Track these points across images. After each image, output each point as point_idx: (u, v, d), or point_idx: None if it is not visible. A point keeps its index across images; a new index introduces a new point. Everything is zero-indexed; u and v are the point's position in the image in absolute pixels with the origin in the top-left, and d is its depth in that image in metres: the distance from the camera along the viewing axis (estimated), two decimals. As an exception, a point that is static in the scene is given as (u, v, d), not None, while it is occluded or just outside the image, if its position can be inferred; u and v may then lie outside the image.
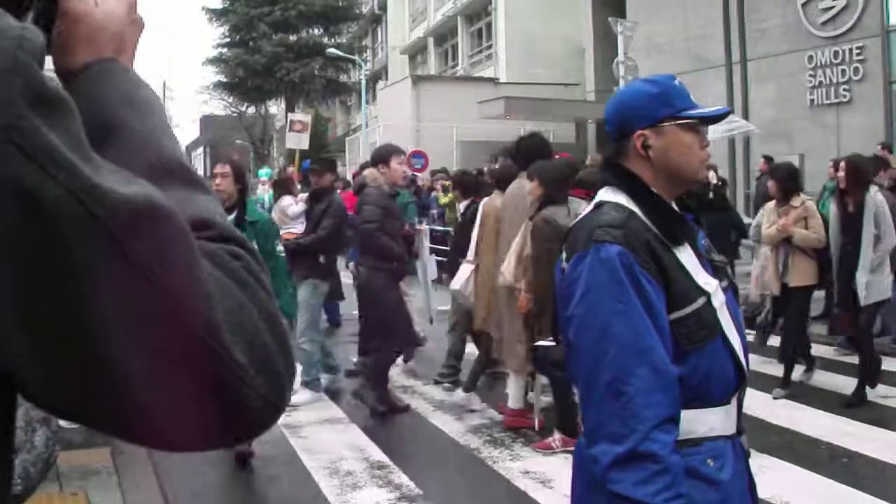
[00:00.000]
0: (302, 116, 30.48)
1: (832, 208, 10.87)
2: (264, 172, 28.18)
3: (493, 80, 39.32)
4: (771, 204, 11.23)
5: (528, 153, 9.79)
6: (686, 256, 3.10)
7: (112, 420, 1.07)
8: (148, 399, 1.02)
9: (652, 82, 3.28)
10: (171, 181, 1.17)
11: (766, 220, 11.06)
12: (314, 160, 13.72)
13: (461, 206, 13.15)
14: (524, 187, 9.16)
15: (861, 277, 10.19)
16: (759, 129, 25.73)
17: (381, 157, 10.75)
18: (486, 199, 10.90)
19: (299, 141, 27.81)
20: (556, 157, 14.79)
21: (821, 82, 25.44)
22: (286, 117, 62.89)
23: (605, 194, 3.24)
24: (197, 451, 1.18)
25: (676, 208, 3.24)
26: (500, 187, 10.35)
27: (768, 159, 20.55)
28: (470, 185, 13.39)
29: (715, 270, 3.22)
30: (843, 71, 24.97)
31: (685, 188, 3.33)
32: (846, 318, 11.21)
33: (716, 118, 3.27)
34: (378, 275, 10.38)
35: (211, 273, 1.07)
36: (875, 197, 10.33)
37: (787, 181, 10.99)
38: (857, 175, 10.43)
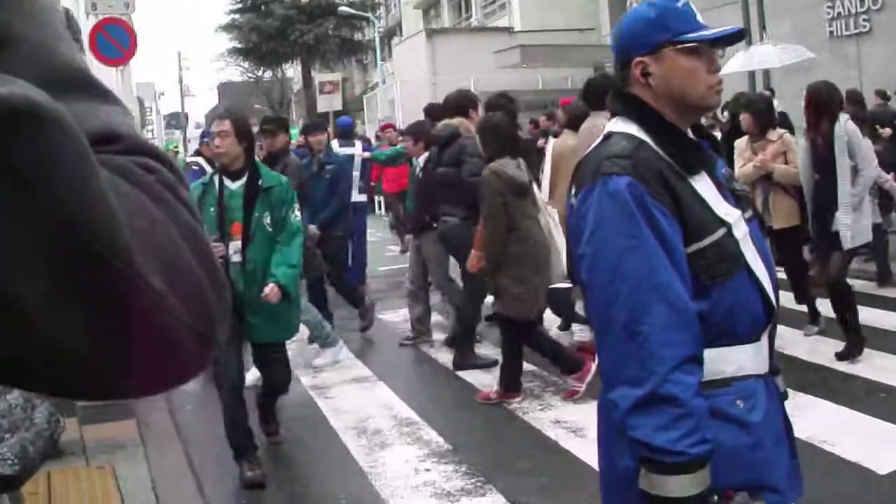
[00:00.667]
0: (331, 77, 30.34)
1: (802, 143, 9.84)
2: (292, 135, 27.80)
3: (508, 30, 39.05)
4: (743, 140, 10.51)
5: (598, 92, 9.19)
6: (703, 185, 2.92)
7: (30, 372, 0.90)
8: (58, 338, 0.83)
9: (651, 5, 3.06)
10: (67, 91, 0.97)
11: (739, 157, 10.33)
12: (265, 120, 13.06)
13: (420, 160, 11.60)
14: (596, 125, 9.06)
15: (843, 217, 9.08)
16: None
17: (471, 103, 11.03)
18: (556, 141, 10.86)
19: (331, 103, 27.65)
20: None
21: (839, 13, 25.09)
22: (303, 79, 63.49)
23: (615, 125, 3.06)
24: (133, 397, 1.05)
25: (691, 135, 3.08)
26: (573, 126, 10.13)
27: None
28: (428, 135, 11.57)
29: (737, 200, 3.04)
30: (863, 0, 24.59)
31: (695, 115, 3.16)
32: (822, 266, 9.92)
33: (721, 40, 3.07)
34: (470, 225, 9.89)
35: (117, 186, 0.88)
36: (846, 126, 9.23)
37: (764, 114, 10.46)
38: (818, 106, 9.31)
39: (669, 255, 2.73)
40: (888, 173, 13.38)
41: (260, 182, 7.36)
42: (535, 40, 34.44)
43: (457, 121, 10.61)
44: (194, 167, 12.09)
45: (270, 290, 7.08)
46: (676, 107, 3.01)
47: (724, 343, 2.83)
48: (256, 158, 7.87)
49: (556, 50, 33.13)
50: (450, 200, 10.34)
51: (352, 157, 14.66)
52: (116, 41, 13.54)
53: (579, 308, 2.90)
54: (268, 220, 7.29)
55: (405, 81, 33.88)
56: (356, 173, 14.62)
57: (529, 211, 8.59)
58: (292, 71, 71.69)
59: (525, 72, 33.17)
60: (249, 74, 72.92)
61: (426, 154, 11.20)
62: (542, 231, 8.62)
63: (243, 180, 7.36)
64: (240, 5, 61.30)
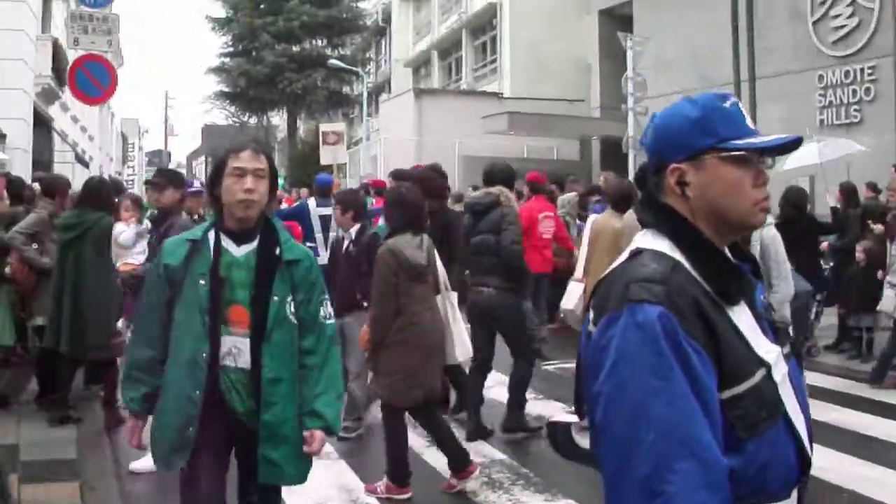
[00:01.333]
0: (335, 127, 29.57)
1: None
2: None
3: (497, 95, 38.88)
4: None
5: (502, 177, 10.00)
6: (743, 318, 2.52)
7: None
8: None
9: (693, 103, 2.67)
10: None
11: None
12: (156, 172, 12.29)
13: (352, 232, 10.36)
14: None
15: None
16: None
17: (511, 177, 10.89)
18: (598, 218, 11.41)
19: (335, 155, 26.83)
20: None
21: (831, 102, 24.96)
22: (288, 128, 63.28)
23: (644, 239, 2.66)
24: None
25: (731, 256, 2.66)
26: (617, 206, 10.78)
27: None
28: (361, 206, 10.74)
29: (776, 334, 2.63)
30: (854, 91, 24.49)
31: (735, 235, 2.72)
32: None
33: (776, 148, 2.66)
34: (510, 294, 10.21)
35: None
36: (763, 233, 7.86)
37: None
38: None
39: (702, 401, 2.30)
40: (877, 272, 13.08)
41: (278, 251, 5.05)
42: (524, 107, 34.20)
43: (497, 189, 10.49)
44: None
45: (314, 438, 4.98)
46: (715, 223, 2.61)
47: (753, 502, 2.43)
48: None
49: (544, 119, 32.92)
50: (485, 269, 10.21)
51: (328, 217, 14.01)
52: (96, 79, 13.20)
53: (581, 441, 2.45)
54: (291, 308, 5.01)
55: (389, 139, 33.61)
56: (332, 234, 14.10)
57: (420, 295, 7.89)
58: (278, 118, 71.61)
59: (511, 138, 32.96)
60: (235, 119, 72.67)
61: (357, 226, 10.24)
62: (435, 316, 8.07)
63: (253, 245, 5.05)
64: (231, 49, 61.26)
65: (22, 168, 25.35)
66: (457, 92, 45.22)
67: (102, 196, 10.31)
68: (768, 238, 7.73)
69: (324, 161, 32.45)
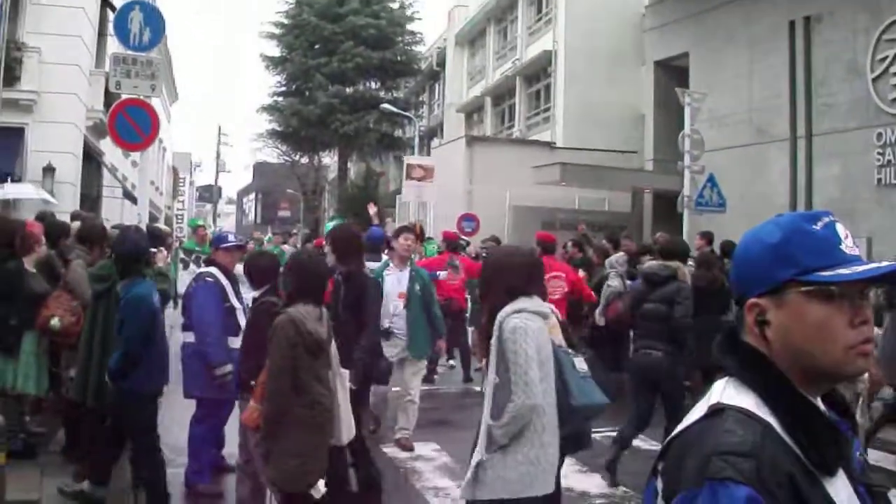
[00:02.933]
0: (423, 160, 28.84)
1: None
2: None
3: (550, 144, 38.53)
4: None
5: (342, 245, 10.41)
6: (841, 491, 2.09)
7: None
8: None
9: (776, 225, 2.27)
10: None
11: None
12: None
13: (255, 294, 9.24)
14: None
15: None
16: (821, 206, 24.77)
17: (687, 252, 12.39)
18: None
19: (420, 192, 26.18)
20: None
21: (889, 161, 24.39)
22: (339, 169, 63.33)
23: (727, 392, 2.23)
24: None
25: (826, 411, 2.21)
26: (668, 258, 11.81)
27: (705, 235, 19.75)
28: (271, 270, 9.29)
29: (874, 499, 2.20)
30: (915, 149, 23.99)
31: (828, 385, 2.26)
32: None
33: (874, 280, 2.17)
34: (675, 359, 11.15)
35: None
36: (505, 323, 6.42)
37: None
38: None
39: None
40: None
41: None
42: (576, 157, 33.90)
43: (675, 263, 11.67)
44: (208, 278, 10.23)
45: None
46: (801, 372, 2.17)
47: None
48: None
49: (596, 171, 32.55)
50: (655, 334, 11.17)
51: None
52: (137, 125, 12.94)
53: None
54: None
55: (440, 185, 33.28)
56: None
57: (319, 371, 7.11)
58: (329, 159, 71.71)
59: (562, 188, 32.63)
60: (285, 158, 72.93)
61: (263, 289, 8.99)
62: (329, 395, 7.23)
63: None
64: (284, 89, 61.48)
65: (70, 202, 25.34)
66: (509, 140, 44.93)
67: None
68: (508, 330, 6.12)
69: (405, 198, 31.96)
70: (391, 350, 12.00)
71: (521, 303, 6.25)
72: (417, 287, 12.52)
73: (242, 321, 9.73)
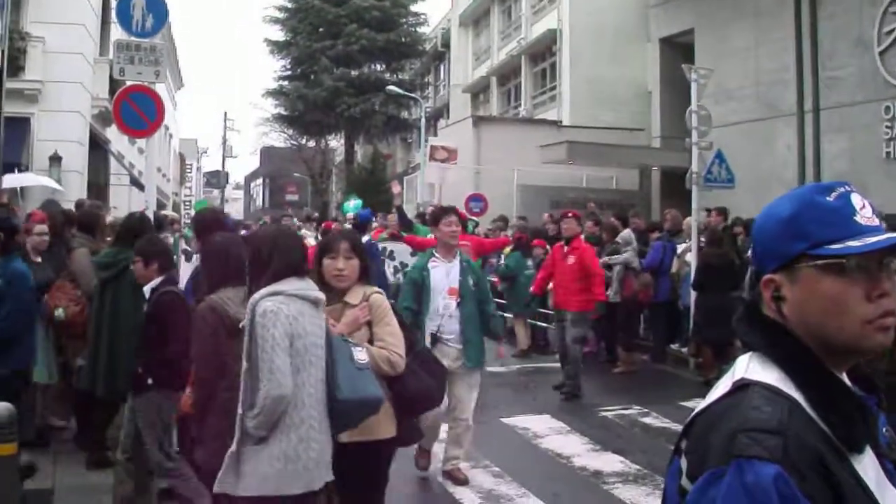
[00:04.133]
0: (446, 142, 28.65)
1: None
2: (353, 206, 24.62)
3: (556, 123, 38.39)
4: None
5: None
6: (869, 468, 2.04)
7: None
8: None
9: (789, 199, 2.22)
10: None
11: None
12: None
13: (153, 284, 8.49)
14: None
15: None
16: (829, 181, 24.63)
17: None
18: None
19: (443, 174, 26.07)
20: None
21: (898, 134, 24.30)
22: (346, 152, 63.38)
23: (752, 368, 2.17)
24: None
25: (852, 388, 2.15)
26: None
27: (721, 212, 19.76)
28: (168, 256, 8.92)
29: None
30: (924, 122, 23.86)
31: (850, 361, 2.19)
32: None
33: (889, 249, 2.10)
34: None
35: None
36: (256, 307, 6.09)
37: None
38: None
39: None
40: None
41: None
42: (582, 136, 33.72)
43: None
44: None
45: None
46: (818, 347, 2.12)
47: None
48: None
49: (603, 149, 32.41)
50: None
51: None
52: (142, 111, 12.89)
53: None
54: None
55: (448, 166, 33.18)
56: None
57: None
58: (335, 142, 71.73)
59: (569, 167, 32.54)
60: (292, 142, 73.05)
61: (160, 279, 8.40)
62: None
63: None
64: (289, 73, 61.56)
65: (77, 191, 25.34)
66: (515, 120, 44.75)
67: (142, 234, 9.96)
68: (259, 314, 5.79)
69: (429, 179, 31.87)
70: (441, 359, 8.80)
71: (282, 285, 5.87)
72: (471, 281, 10.34)
73: None
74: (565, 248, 15.38)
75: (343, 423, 6.06)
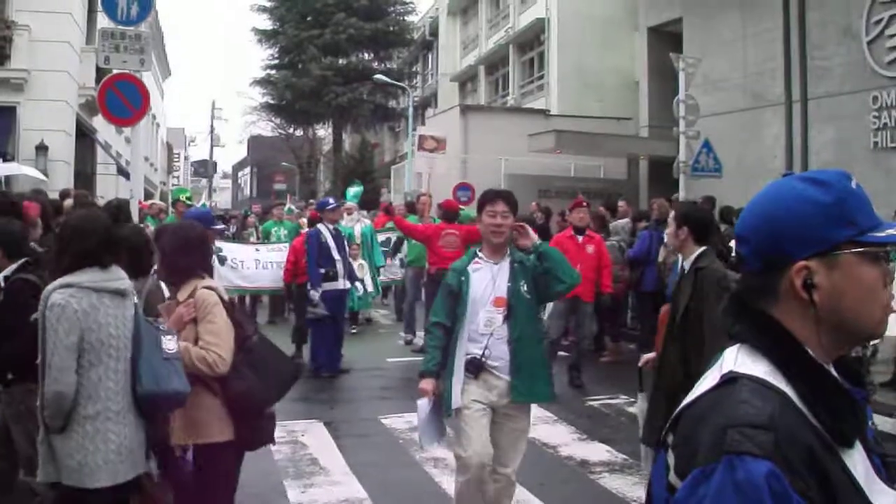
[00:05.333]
0: (434, 132, 28.56)
1: None
2: (353, 193, 24.39)
3: (544, 112, 38.35)
4: None
5: None
6: (858, 463, 2.03)
7: None
8: None
9: (820, 184, 2.18)
10: None
11: None
12: None
13: (6, 272, 7.68)
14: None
15: None
16: (817, 170, 24.64)
17: None
18: None
19: (431, 164, 26.02)
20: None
21: (885, 124, 24.21)
22: (333, 141, 63.34)
23: (739, 359, 2.14)
24: None
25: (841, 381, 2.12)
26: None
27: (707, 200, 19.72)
28: (17, 240, 7.92)
29: (888, 471, 2.12)
30: (911, 112, 23.85)
31: (853, 347, 2.23)
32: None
33: None
34: None
35: None
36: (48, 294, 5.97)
37: None
38: None
39: None
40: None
41: None
42: (571, 125, 33.70)
43: None
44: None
45: None
46: (837, 335, 2.12)
47: None
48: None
49: (591, 138, 32.38)
50: None
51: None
52: (127, 100, 12.87)
53: None
54: None
55: (435, 155, 33.15)
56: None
57: None
58: (323, 131, 71.76)
59: (557, 156, 32.53)
60: (280, 131, 73.10)
61: (13, 266, 7.52)
62: None
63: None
64: (276, 62, 61.49)
65: (64, 180, 25.27)
66: (503, 109, 44.72)
67: (119, 220, 9.90)
68: (48, 307, 5.61)
69: (417, 168, 31.81)
70: (485, 393, 7.51)
71: (76, 276, 5.70)
72: (523, 287, 7.69)
73: None
74: (580, 238, 15.26)
75: (150, 414, 5.99)
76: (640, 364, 7.50)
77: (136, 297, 6.19)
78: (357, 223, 20.34)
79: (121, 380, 5.77)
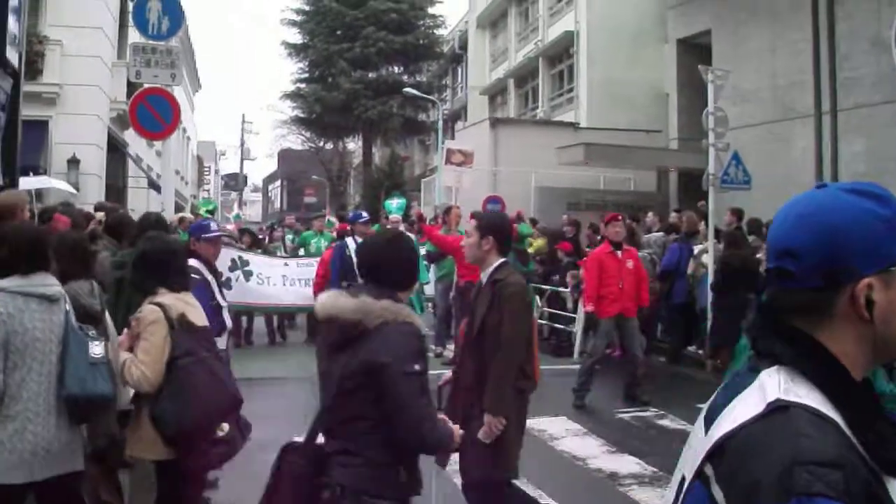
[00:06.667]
0: (462, 146, 28.53)
1: None
2: (397, 206, 24.33)
3: (573, 125, 38.27)
4: None
5: None
6: (894, 490, 1.93)
7: None
8: None
9: (875, 197, 2.10)
10: None
11: None
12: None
13: None
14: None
15: None
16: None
17: None
18: None
19: (458, 177, 25.98)
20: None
21: (916, 135, 24.18)
22: (363, 154, 63.49)
23: (785, 385, 2.01)
24: None
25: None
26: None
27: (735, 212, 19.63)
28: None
29: None
30: (944, 122, 23.74)
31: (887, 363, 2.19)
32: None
33: None
34: None
35: None
36: None
37: None
38: None
39: None
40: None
41: None
42: (600, 138, 33.62)
43: None
44: (194, 275, 8.69)
45: None
46: (877, 356, 2.07)
47: None
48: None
49: (621, 151, 32.31)
50: None
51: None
52: (158, 114, 12.98)
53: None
54: None
55: (465, 168, 33.15)
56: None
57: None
58: (353, 144, 71.87)
59: (587, 168, 32.48)
60: (310, 144, 73.28)
61: None
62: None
63: None
64: (306, 75, 61.64)
65: (95, 194, 25.44)
66: (532, 121, 44.68)
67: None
68: None
69: (445, 182, 31.89)
70: None
71: (5, 281, 5.93)
72: None
73: (228, 320, 9.47)
74: (619, 254, 15.00)
75: (76, 418, 6.13)
76: (438, 384, 7.23)
77: (67, 303, 6.29)
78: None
79: (44, 382, 5.95)
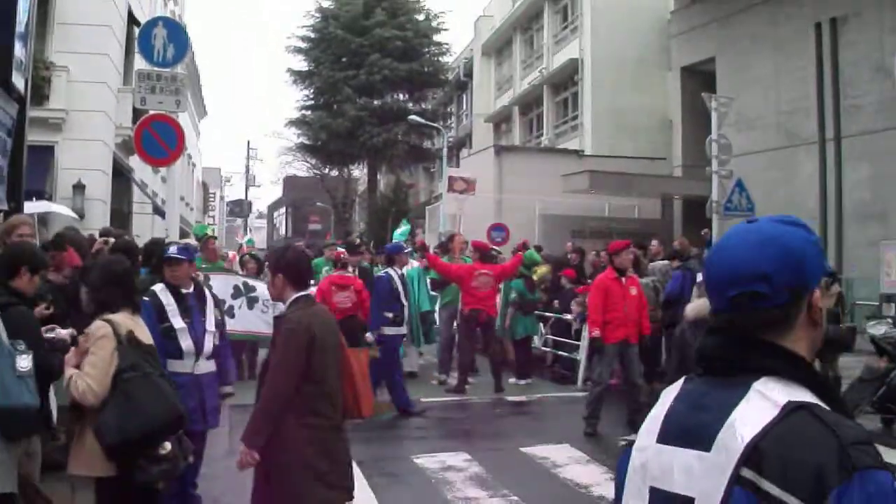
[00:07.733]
0: (465, 173, 28.60)
1: None
2: (401, 233, 24.30)
3: (578, 153, 38.34)
4: None
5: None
6: None
7: None
8: None
9: (802, 226, 2.46)
10: None
11: None
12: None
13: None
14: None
15: None
16: (850, 209, 24.56)
17: None
18: None
19: (460, 205, 26.07)
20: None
21: (920, 162, 24.18)
22: (368, 181, 63.52)
23: (787, 391, 2.24)
24: None
25: None
26: None
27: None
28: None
29: None
30: (951, 147, 23.77)
31: None
32: None
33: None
34: None
35: None
36: None
37: None
38: None
39: None
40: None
41: None
42: (604, 165, 33.69)
43: None
44: (144, 297, 8.77)
45: None
46: (812, 354, 2.41)
47: None
48: None
49: (625, 178, 32.38)
50: None
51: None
52: (162, 140, 13.01)
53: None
54: None
55: (469, 196, 33.16)
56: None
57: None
58: (358, 171, 71.86)
59: (591, 196, 32.50)
60: (315, 171, 73.26)
61: None
62: None
63: None
64: (312, 102, 61.67)
65: (100, 219, 25.46)
66: (537, 149, 44.86)
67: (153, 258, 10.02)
68: None
69: (448, 210, 31.88)
70: None
71: None
72: None
73: (187, 342, 8.88)
74: (623, 280, 14.97)
75: (5, 431, 6.17)
76: None
77: None
78: (404, 266, 20.28)
79: None
